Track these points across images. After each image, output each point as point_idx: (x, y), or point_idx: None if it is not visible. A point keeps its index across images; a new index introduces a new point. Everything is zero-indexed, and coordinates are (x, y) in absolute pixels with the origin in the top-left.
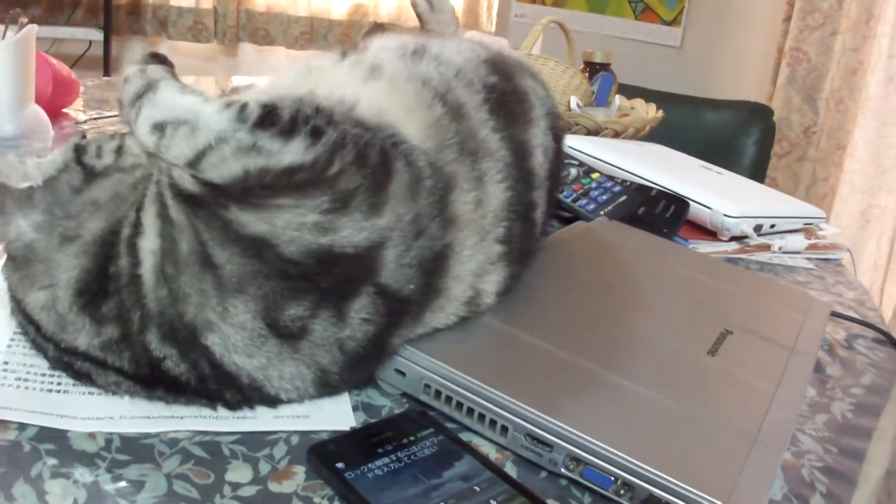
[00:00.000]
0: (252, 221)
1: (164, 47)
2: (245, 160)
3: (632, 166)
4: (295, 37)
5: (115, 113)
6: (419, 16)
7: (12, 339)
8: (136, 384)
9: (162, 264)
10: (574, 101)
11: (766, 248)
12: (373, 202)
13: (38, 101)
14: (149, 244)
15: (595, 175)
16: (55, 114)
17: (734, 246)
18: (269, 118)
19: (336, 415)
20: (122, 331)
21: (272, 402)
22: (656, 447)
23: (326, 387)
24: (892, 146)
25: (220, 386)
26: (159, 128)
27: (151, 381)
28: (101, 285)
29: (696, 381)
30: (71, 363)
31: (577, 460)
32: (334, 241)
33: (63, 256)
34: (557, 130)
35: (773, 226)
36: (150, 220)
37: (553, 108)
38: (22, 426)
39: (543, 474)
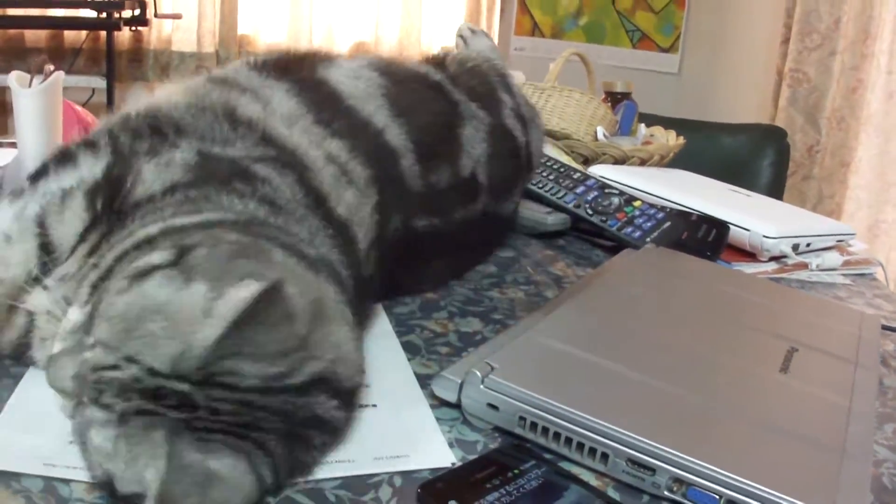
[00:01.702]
0: (141, 194)
1: None
2: (73, 198)
3: (668, 193)
4: None
5: None
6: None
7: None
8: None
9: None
10: (601, 132)
11: (804, 266)
12: (169, 143)
13: None
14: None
15: (637, 203)
16: None
17: (773, 266)
18: (38, 173)
19: (434, 453)
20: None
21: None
22: (754, 464)
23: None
24: None
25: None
26: None
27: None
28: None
29: (776, 399)
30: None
31: (681, 482)
32: (183, 159)
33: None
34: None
35: (808, 244)
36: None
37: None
38: None
39: (645, 498)
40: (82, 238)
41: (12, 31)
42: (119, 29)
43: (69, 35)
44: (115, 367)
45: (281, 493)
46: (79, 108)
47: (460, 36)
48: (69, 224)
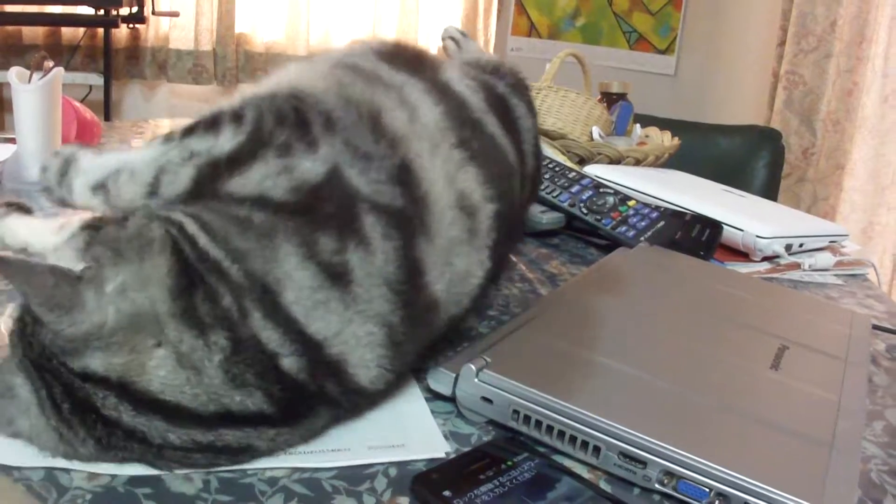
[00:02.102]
0: (236, 188)
1: (164, 90)
2: (191, 162)
3: (663, 193)
4: None
5: None
6: (449, 56)
7: None
8: (285, 425)
9: (209, 235)
10: (596, 132)
11: (797, 266)
12: (308, 140)
13: (63, 145)
14: (190, 228)
15: (631, 202)
16: None
17: (766, 266)
18: (191, 127)
19: (429, 443)
20: (229, 332)
21: (360, 393)
22: (745, 458)
23: (396, 348)
24: (890, 164)
25: (316, 372)
26: (99, 187)
27: (288, 407)
28: (188, 277)
29: (766, 395)
30: (223, 438)
31: (672, 475)
32: (302, 174)
33: (147, 266)
34: (479, 76)
35: (801, 245)
36: (180, 217)
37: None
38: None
39: (636, 491)
40: (176, 202)
41: (10, 28)
42: (116, 26)
43: (66, 32)
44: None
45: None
46: (77, 104)
47: (451, 38)
48: (176, 185)
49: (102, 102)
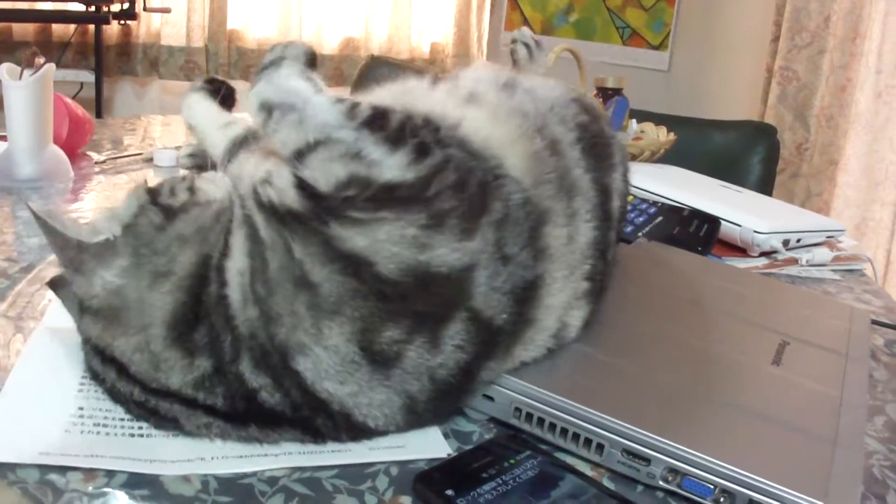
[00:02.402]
0: (352, 236)
1: (156, 87)
2: (350, 166)
3: (660, 189)
4: None
5: (133, 152)
6: (516, 62)
7: (82, 384)
8: (228, 423)
9: (252, 284)
10: None
11: (794, 261)
12: (466, 227)
13: (55, 142)
14: (236, 264)
15: (629, 198)
16: (71, 154)
17: (764, 261)
18: (379, 121)
19: (430, 443)
20: (215, 362)
21: (360, 431)
22: (749, 454)
23: (413, 415)
24: (884, 160)
25: (312, 413)
26: (266, 108)
27: (245, 418)
28: (194, 313)
29: (769, 391)
30: (157, 408)
31: (676, 472)
32: (431, 259)
33: (156, 294)
34: (627, 175)
35: (799, 240)
36: (238, 242)
37: (626, 155)
38: (110, 473)
39: (640, 488)
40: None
41: (0, 25)
42: (108, 22)
43: (57, 28)
44: None
45: None
46: (69, 101)
47: (524, 44)
48: (317, 178)
49: (94, 99)
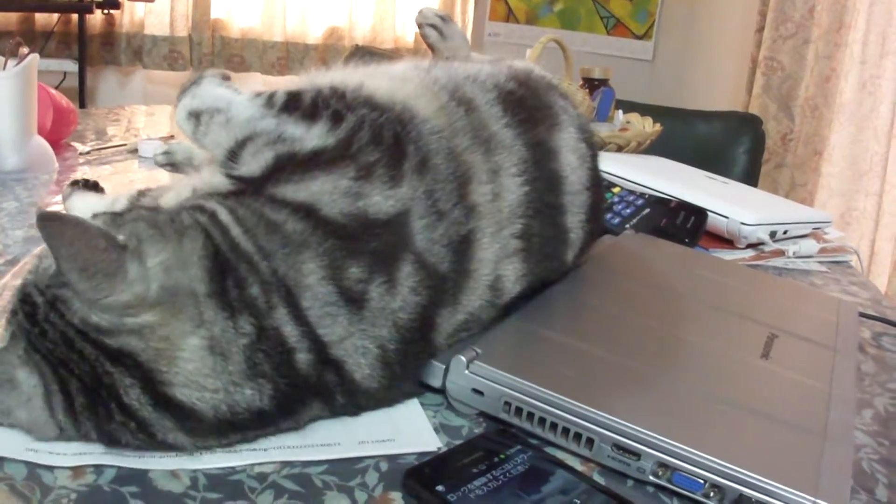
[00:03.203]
0: (290, 192)
1: (139, 76)
2: (274, 147)
3: (647, 180)
4: (271, 62)
5: (117, 143)
6: (430, 46)
7: None
8: (280, 415)
9: (242, 230)
10: None
11: (781, 253)
12: (392, 174)
13: (39, 133)
14: (224, 218)
15: (616, 189)
16: (55, 145)
17: (750, 253)
18: (294, 103)
19: (420, 437)
20: (254, 319)
21: (357, 392)
22: (739, 448)
23: (387, 368)
24: (868, 150)
25: (323, 368)
26: (194, 115)
27: (283, 404)
28: (220, 260)
29: (758, 384)
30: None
31: (666, 466)
32: (367, 205)
33: (183, 247)
34: (591, 142)
35: (785, 232)
36: (214, 206)
37: (585, 124)
38: (98, 469)
39: (630, 483)
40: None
41: None
42: (91, 12)
43: (40, 18)
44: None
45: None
46: (53, 91)
47: (431, 25)
48: (250, 165)
49: (77, 89)
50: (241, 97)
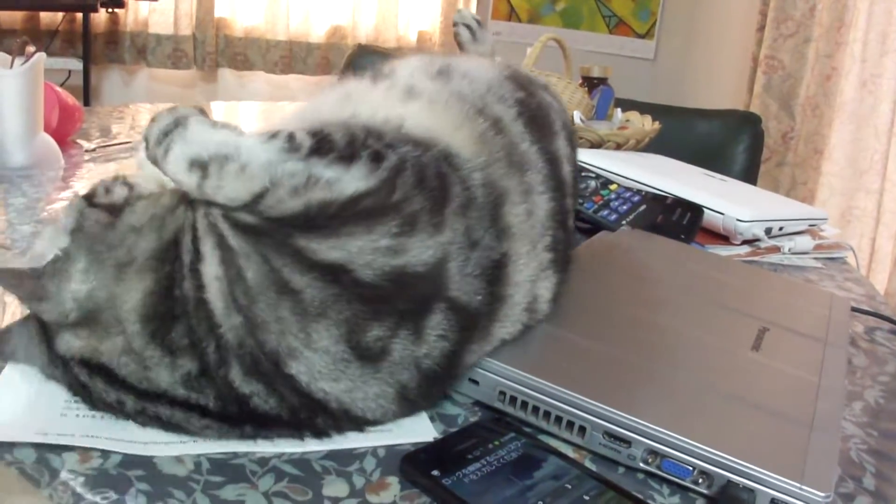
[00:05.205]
0: (323, 249)
1: (144, 75)
2: (305, 195)
3: (644, 177)
4: (274, 61)
5: (122, 140)
6: (461, 44)
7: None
8: (225, 424)
9: (231, 291)
10: (577, 116)
11: (776, 250)
12: (435, 222)
13: (45, 130)
14: (211, 270)
15: (613, 186)
16: (61, 142)
17: (746, 249)
18: (324, 145)
19: (417, 427)
20: (200, 365)
21: (360, 423)
22: (727, 436)
23: (406, 402)
24: (868, 148)
25: (310, 414)
26: (199, 165)
27: (240, 419)
28: (168, 307)
29: (748, 375)
30: (158, 414)
31: (656, 454)
32: (406, 261)
33: (124, 286)
34: (572, 139)
35: (781, 228)
36: (208, 248)
37: (567, 119)
38: (105, 454)
39: (620, 470)
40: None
41: None
42: (95, 11)
43: (45, 17)
44: None
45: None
46: (59, 89)
47: (467, 26)
48: (274, 211)
49: (81, 87)
50: (248, 140)
